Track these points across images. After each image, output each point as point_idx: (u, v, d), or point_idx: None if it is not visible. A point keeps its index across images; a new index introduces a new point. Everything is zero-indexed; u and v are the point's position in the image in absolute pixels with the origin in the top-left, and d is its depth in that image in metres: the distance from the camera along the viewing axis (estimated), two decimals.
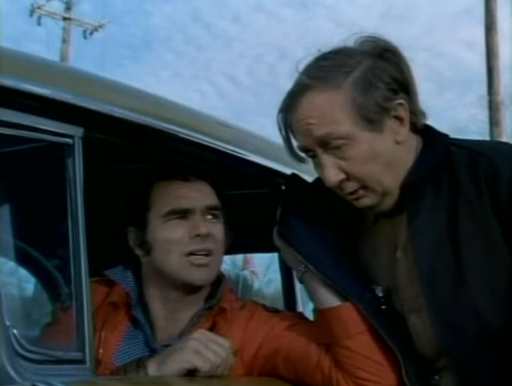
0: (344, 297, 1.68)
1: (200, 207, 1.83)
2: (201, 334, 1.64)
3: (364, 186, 1.63)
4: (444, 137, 1.71)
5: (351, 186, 1.63)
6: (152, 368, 1.60)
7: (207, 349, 1.60)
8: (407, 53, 1.66)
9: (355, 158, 1.60)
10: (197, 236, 1.80)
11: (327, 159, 1.62)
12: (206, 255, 1.82)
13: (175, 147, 1.83)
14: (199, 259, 1.80)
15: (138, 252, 1.86)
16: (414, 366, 1.65)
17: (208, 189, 1.88)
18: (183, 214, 1.82)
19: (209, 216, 1.85)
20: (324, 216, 1.75)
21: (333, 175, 1.62)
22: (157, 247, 1.82)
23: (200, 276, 1.81)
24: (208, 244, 1.82)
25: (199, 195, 1.85)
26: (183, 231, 1.81)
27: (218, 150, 1.90)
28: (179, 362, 1.59)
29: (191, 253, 1.80)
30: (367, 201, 1.65)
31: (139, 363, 1.63)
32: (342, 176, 1.62)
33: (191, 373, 1.59)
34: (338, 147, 1.60)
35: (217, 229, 1.86)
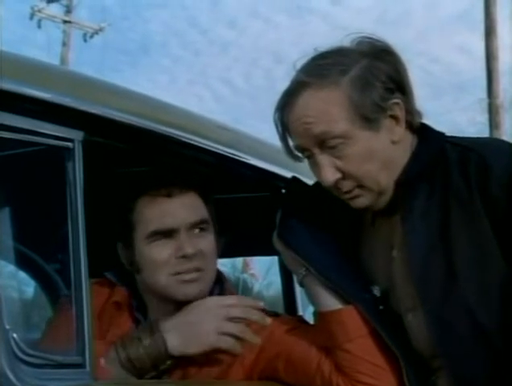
0: (345, 300, 1.67)
1: (184, 225, 1.77)
2: (217, 305, 1.69)
3: (360, 186, 1.63)
4: (439, 134, 1.71)
5: (347, 185, 1.63)
6: (171, 344, 1.64)
7: (228, 323, 1.66)
8: (402, 57, 1.66)
9: (352, 157, 1.60)
10: (183, 257, 1.76)
11: (323, 159, 1.61)
12: (196, 271, 1.77)
13: (175, 150, 1.82)
14: (187, 276, 1.76)
15: (129, 268, 1.83)
16: (414, 369, 1.65)
17: (195, 201, 1.82)
18: (167, 233, 1.77)
19: (197, 230, 1.80)
20: (324, 219, 1.75)
21: (330, 175, 1.61)
22: (145, 267, 1.79)
23: (189, 292, 1.76)
24: (195, 263, 1.77)
25: (183, 211, 1.79)
26: (168, 251, 1.76)
27: (218, 153, 1.90)
28: (204, 346, 1.66)
29: (179, 273, 1.76)
30: (363, 201, 1.65)
31: (152, 329, 1.66)
32: (338, 175, 1.62)
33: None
34: (335, 146, 1.60)
35: (205, 243, 1.80)
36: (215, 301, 1.72)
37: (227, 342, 1.68)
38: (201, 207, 1.83)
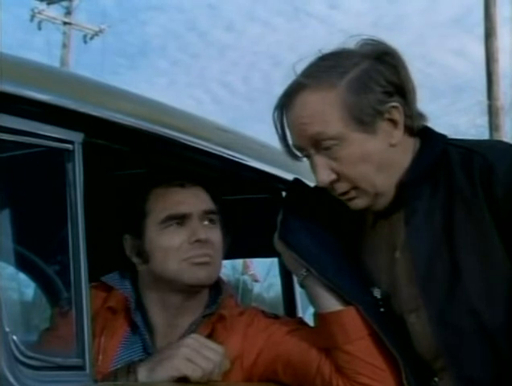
0: (345, 302, 1.67)
1: (197, 211, 1.83)
2: (194, 340, 1.62)
3: (355, 187, 1.63)
4: (441, 137, 1.71)
5: (342, 186, 1.64)
6: (142, 375, 1.58)
7: (198, 355, 1.58)
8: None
9: (346, 158, 1.61)
10: (196, 241, 1.79)
11: (319, 159, 1.63)
12: (206, 256, 1.80)
13: (175, 153, 1.82)
14: (199, 259, 1.79)
15: (136, 260, 1.85)
16: (414, 370, 1.64)
17: (204, 194, 1.88)
18: (180, 219, 1.81)
19: (206, 221, 1.85)
20: (325, 220, 1.75)
21: (325, 176, 1.62)
22: (155, 255, 1.81)
23: (202, 274, 1.79)
24: (206, 250, 1.81)
25: (195, 200, 1.85)
26: (181, 237, 1.79)
27: (219, 156, 1.90)
28: (169, 370, 1.57)
29: (190, 257, 1.79)
30: (359, 202, 1.65)
31: (130, 369, 1.61)
32: (333, 176, 1.63)
33: (182, 380, 1.57)
34: (329, 147, 1.61)
35: (215, 234, 1.85)
36: (194, 337, 1.65)
37: (195, 371, 1.56)
38: (210, 200, 1.88)
